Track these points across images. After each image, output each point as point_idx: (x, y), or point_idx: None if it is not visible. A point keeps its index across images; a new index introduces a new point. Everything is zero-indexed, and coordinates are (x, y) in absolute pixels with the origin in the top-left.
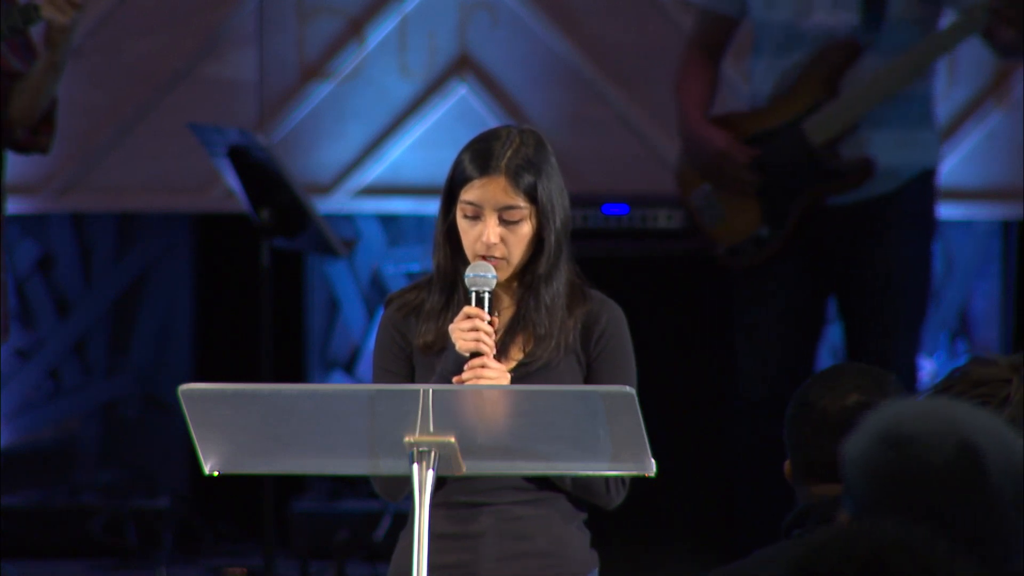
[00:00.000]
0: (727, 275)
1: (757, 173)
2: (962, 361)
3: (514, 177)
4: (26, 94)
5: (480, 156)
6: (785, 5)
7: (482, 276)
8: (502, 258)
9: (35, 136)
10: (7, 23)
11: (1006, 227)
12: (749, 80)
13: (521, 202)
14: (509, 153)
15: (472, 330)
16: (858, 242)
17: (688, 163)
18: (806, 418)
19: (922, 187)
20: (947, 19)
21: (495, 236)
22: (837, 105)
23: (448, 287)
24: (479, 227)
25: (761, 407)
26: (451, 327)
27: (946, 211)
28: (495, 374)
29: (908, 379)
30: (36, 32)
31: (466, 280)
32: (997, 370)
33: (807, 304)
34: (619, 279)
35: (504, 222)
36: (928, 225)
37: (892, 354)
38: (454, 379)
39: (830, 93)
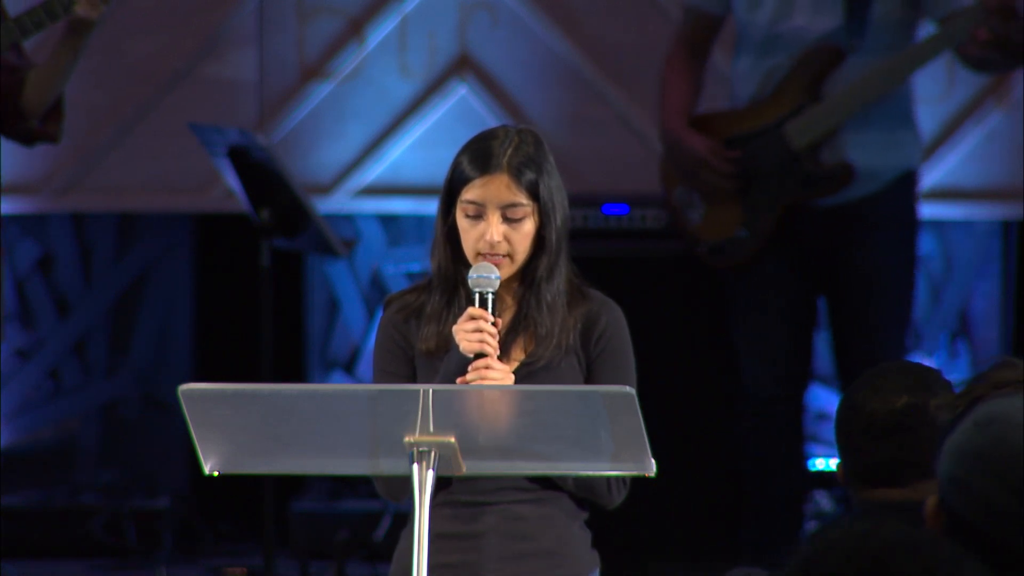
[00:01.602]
0: (725, 276)
1: (736, 180)
2: (962, 361)
3: (516, 174)
4: (41, 83)
5: (480, 155)
6: (766, 7)
7: (485, 277)
8: (506, 255)
9: (45, 125)
10: (31, 19)
11: (1006, 227)
12: (731, 80)
13: (523, 199)
14: (510, 151)
15: (476, 331)
16: (840, 244)
17: (669, 165)
18: (854, 422)
19: (903, 188)
20: (924, 24)
21: (498, 234)
22: (818, 110)
23: (449, 289)
24: (481, 226)
25: (768, 406)
26: (455, 328)
27: (946, 211)
28: (499, 375)
29: None
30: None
31: (469, 281)
32: (1018, 373)
33: (801, 303)
34: (619, 279)
35: (507, 220)
36: (910, 227)
37: (877, 356)
38: (458, 380)
39: (813, 97)
